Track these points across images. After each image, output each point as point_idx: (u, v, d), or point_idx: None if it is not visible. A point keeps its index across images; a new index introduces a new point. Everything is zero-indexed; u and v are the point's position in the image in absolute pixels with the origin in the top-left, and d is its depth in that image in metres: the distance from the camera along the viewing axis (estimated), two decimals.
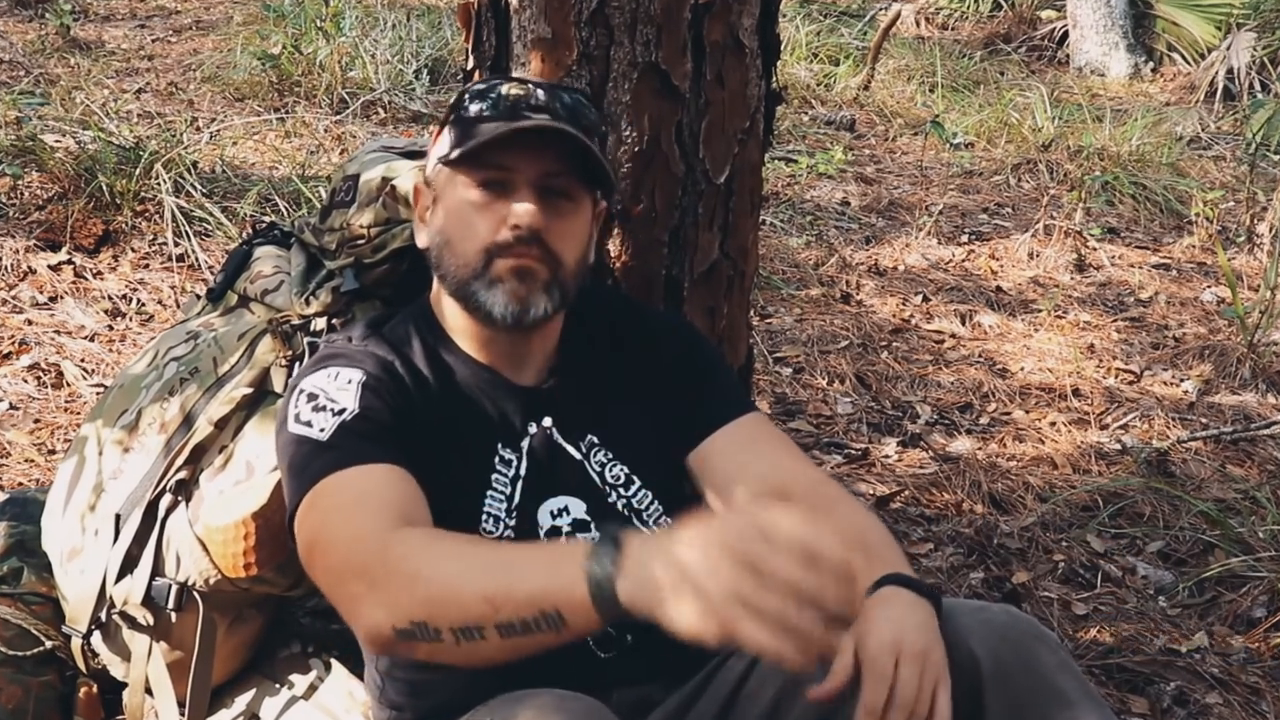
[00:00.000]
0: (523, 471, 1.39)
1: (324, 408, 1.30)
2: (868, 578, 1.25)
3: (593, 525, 1.39)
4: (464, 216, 1.36)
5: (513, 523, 1.36)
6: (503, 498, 1.37)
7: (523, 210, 1.33)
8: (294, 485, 1.28)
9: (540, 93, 1.36)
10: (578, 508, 1.39)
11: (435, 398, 1.38)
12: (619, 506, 1.41)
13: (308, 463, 1.27)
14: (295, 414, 1.32)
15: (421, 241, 1.44)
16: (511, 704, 1.15)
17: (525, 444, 1.41)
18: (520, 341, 1.41)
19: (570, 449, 1.42)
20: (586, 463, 1.42)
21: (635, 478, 1.43)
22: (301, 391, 1.34)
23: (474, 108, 1.36)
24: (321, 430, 1.28)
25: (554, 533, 1.37)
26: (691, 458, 1.47)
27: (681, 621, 0.93)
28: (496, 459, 1.39)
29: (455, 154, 1.34)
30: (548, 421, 1.42)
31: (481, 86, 1.39)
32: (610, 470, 1.42)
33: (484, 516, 1.35)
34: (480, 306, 1.36)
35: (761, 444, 1.46)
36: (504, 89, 1.37)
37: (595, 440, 1.43)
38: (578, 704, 1.13)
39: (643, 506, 1.42)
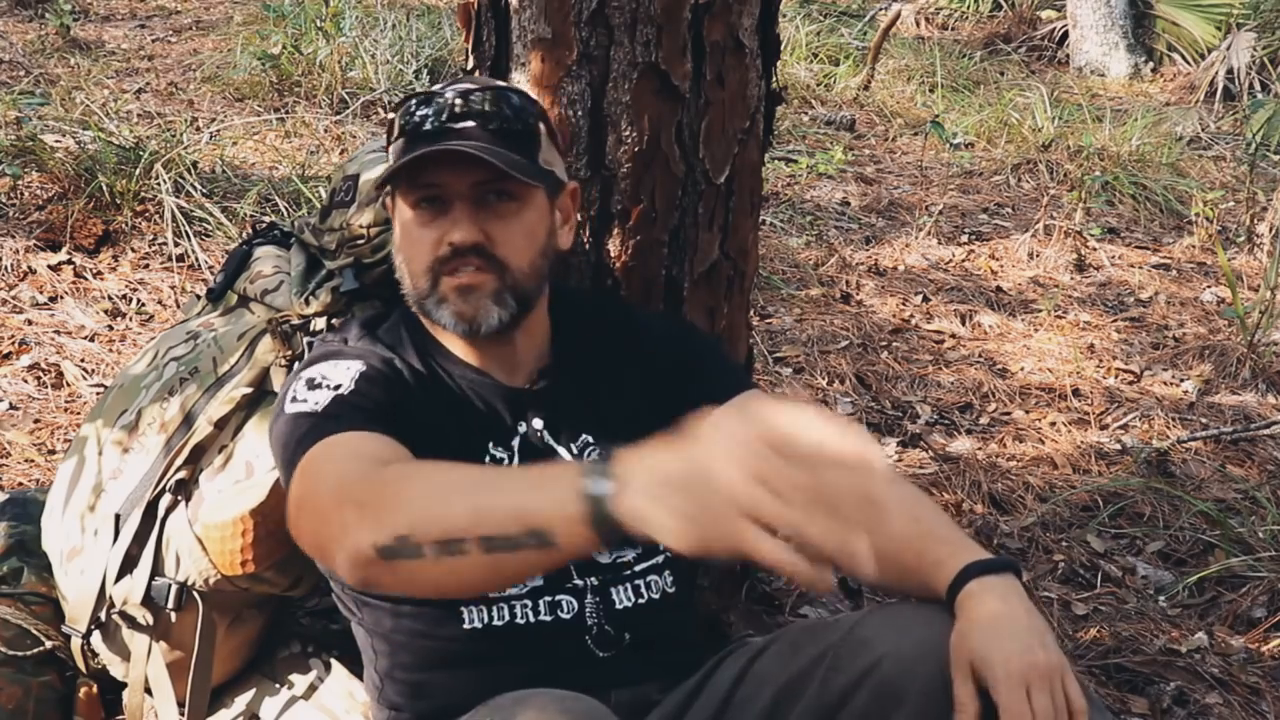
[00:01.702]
0: None
1: (320, 385, 1.31)
2: (933, 562, 1.23)
3: None
4: (409, 236, 1.37)
5: None
6: None
7: (454, 228, 1.33)
8: (287, 456, 1.27)
9: (460, 102, 1.34)
10: None
11: (428, 396, 1.39)
12: None
13: (302, 433, 1.26)
14: (292, 396, 1.32)
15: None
16: (512, 704, 1.15)
17: (516, 443, 1.41)
18: (503, 345, 1.41)
19: (561, 449, 1.42)
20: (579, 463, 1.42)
21: None
22: (300, 378, 1.35)
23: (416, 117, 1.36)
24: (317, 404, 1.29)
25: None
26: None
27: (680, 535, 0.89)
28: (486, 458, 1.39)
29: (384, 180, 1.35)
30: (538, 422, 1.42)
31: (424, 94, 1.38)
32: None
33: None
34: (436, 322, 1.38)
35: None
36: (436, 100, 1.35)
37: (589, 440, 1.43)
38: (579, 704, 1.13)
39: None
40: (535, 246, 1.38)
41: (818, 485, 0.87)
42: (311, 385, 1.32)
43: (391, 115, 1.40)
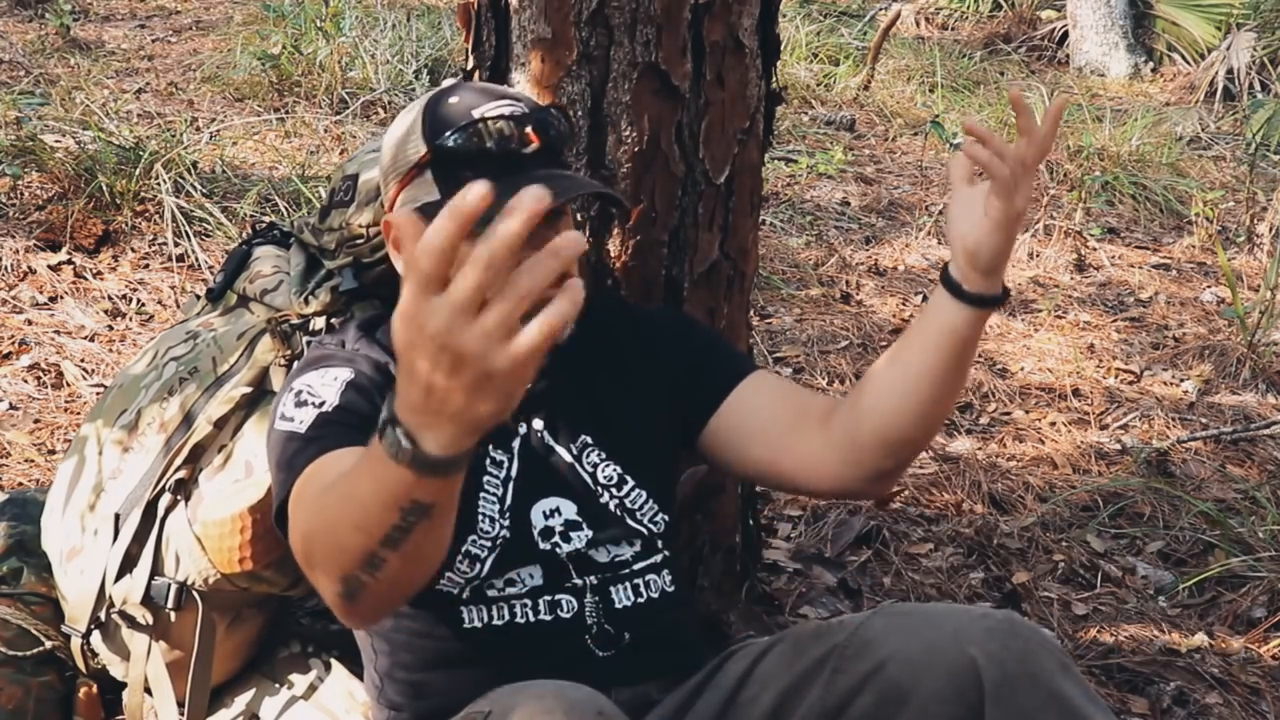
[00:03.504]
0: (514, 472, 1.39)
1: (305, 403, 1.31)
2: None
3: (585, 525, 1.39)
4: None
5: (507, 522, 1.37)
6: (495, 499, 1.37)
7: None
8: (280, 480, 1.28)
9: (526, 130, 1.30)
10: (569, 509, 1.40)
11: None
12: (611, 507, 1.41)
13: (291, 458, 1.27)
14: (281, 412, 1.33)
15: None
16: (510, 694, 1.15)
17: (516, 444, 1.41)
18: None
19: (561, 450, 1.42)
20: (578, 464, 1.42)
21: (628, 477, 1.43)
22: (290, 390, 1.35)
23: (458, 146, 1.30)
24: (301, 423, 1.29)
25: (547, 533, 1.38)
26: (707, 433, 1.46)
27: (449, 434, 0.87)
28: (488, 460, 1.39)
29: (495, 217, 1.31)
30: (538, 423, 1.42)
31: (463, 119, 1.31)
32: (603, 470, 1.43)
33: (479, 516, 1.36)
34: None
35: (775, 389, 1.48)
36: (485, 127, 1.30)
37: (589, 440, 1.43)
38: (576, 692, 1.13)
39: (636, 506, 1.43)
40: None
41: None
42: (299, 402, 1.32)
43: (440, 126, 1.32)
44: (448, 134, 1.31)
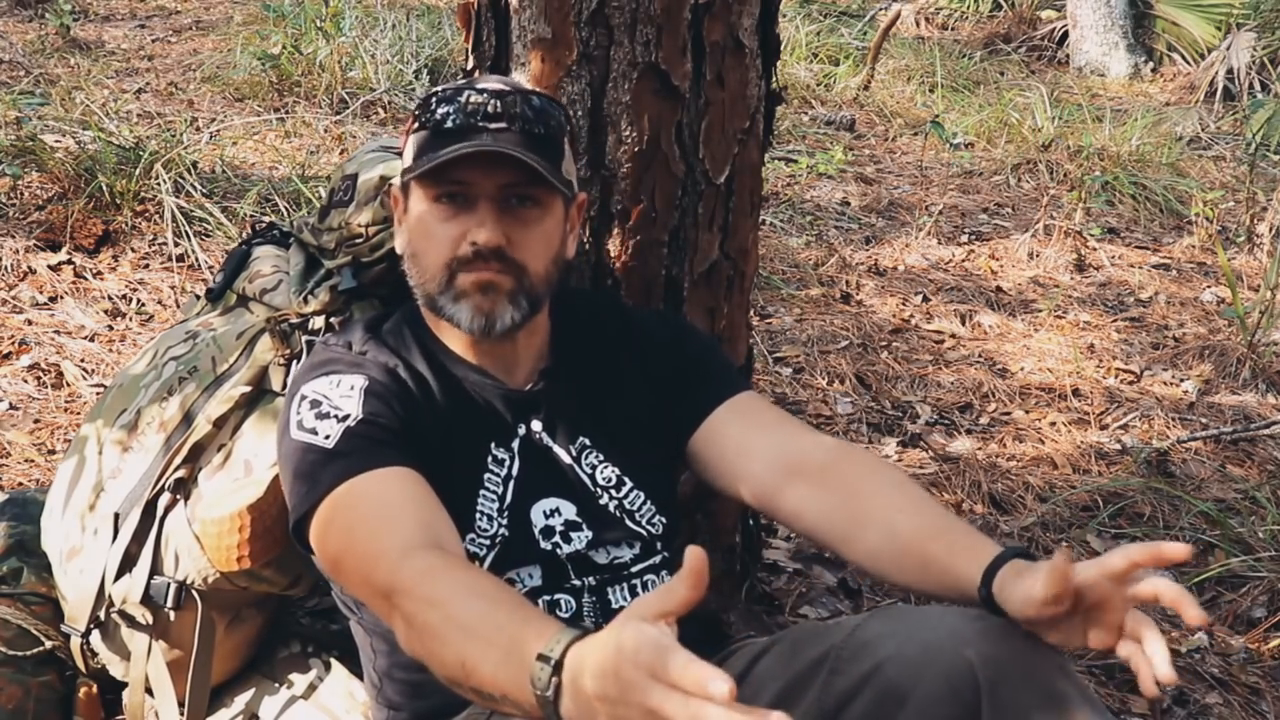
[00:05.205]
0: (514, 472, 1.40)
1: (328, 414, 1.31)
2: (965, 548, 1.25)
3: (585, 526, 1.39)
4: (426, 230, 1.36)
5: (506, 521, 1.37)
6: (495, 497, 1.38)
7: (480, 229, 1.33)
8: (302, 493, 1.28)
9: (496, 103, 1.33)
10: (569, 509, 1.40)
11: (432, 400, 1.39)
12: (610, 508, 1.42)
13: (316, 471, 1.27)
14: (298, 420, 1.32)
15: (398, 246, 1.45)
16: None
17: (516, 444, 1.41)
18: (504, 345, 1.42)
19: (560, 451, 1.43)
20: (577, 465, 1.43)
21: (627, 479, 1.43)
22: (304, 398, 1.34)
23: (439, 113, 1.35)
24: (327, 438, 1.29)
25: (548, 532, 1.38)
26: (692, 443, 1.47)
27: None
28: (489, 458, 1.39)
29: (413, 171, 1.35)
30: (537, 424, 1.43)
31: (449, 90, 1.37)
32: (601, 472, 1.43)
33: (478, 514, 1.36)
34: (450, 318, 1.38)
35: (763, 420, 1.46)
36: (466, 97, 1.34)
37: (587, 442, 1.44)
38: None
39: (635, 507, 1.43)
40: (550, 253, 1.40)
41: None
42: (319, 413, 1.31)
43: (431, 96, 1.38)
44: (432, 99, 1.36)
